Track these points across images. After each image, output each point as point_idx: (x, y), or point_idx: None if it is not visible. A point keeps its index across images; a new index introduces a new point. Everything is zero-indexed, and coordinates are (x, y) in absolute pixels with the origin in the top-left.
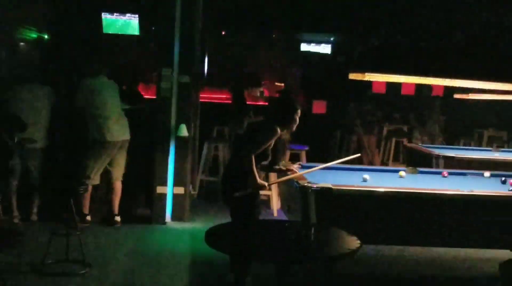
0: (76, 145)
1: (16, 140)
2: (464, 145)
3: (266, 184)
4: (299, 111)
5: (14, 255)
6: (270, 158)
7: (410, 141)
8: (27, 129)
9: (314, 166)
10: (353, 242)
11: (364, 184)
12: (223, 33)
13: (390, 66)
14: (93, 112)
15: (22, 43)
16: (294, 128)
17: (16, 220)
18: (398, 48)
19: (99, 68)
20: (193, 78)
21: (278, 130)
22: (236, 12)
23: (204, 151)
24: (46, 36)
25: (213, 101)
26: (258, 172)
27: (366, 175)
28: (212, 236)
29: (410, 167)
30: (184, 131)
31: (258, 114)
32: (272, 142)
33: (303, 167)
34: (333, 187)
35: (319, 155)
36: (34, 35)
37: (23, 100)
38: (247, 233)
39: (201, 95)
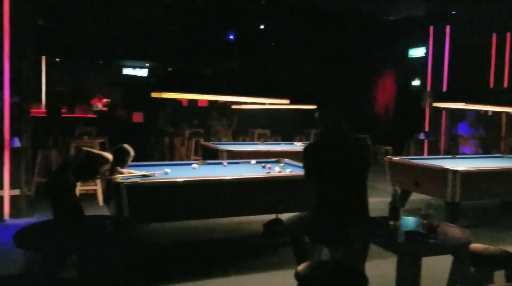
0: None
1: None
2: (243, 141)
3: None
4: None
5: None
6: None
7: (205, 140)
8: None
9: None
10: (140, 228)
11: (166, 176)
12: (57, 59)
13: (181, 86)
14: None
15: None
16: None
17: None
18: (189, 72)
19: None
20: (23, 98)
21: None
22: (67, 42)
23: (38, 158)
24: None
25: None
26: None
27: (167, 169)
28: (19, 237)
29: (201, 160)
30: (16, 143)
31: (87, 124)
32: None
33: None
34: (140, 181)
35: (139, 154)
36: None
37: None
38: (51, 231)
39: (39, 111)
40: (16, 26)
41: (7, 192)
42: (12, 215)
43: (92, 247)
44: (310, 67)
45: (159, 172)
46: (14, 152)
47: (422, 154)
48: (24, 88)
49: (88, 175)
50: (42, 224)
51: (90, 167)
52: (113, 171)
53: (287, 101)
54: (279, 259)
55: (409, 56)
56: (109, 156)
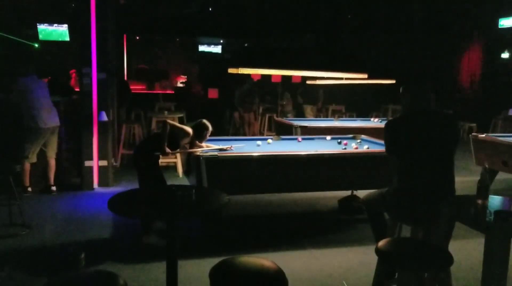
0: (14, 131)
1: None
2: (316, 117)
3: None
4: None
5: None
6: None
7: (277, 116)
8: None
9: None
10: (223, 199)
11: (242, 150)
12: (137, 38)
13: (258, 62)
14: (27, 105)
15: None
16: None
17: None
18: (264, 48)
19: (30, 69)
20: (109, 74)
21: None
22: (145, 21)
23: (123, 131)
24: None
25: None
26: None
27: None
28: (113, 203)
29: (275, 136)
30: (104, 117)
31: (166, 100)
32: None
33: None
34: (218, 155)
35: (214, 129)
36: None
37: None
38: (142, 198)
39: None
40: (100, 5)
41: (95, 163)
42: (100, 184)
43: (177, 215)
44: (389, 40)
45: (236, 145)
46: (101, 125)
47: (511, 132)
48: (109, 65)
49: (170, 148)
50: (132, 192)
51: (172, 140)
52: (192, 144)
53: (365, 76)
54: (356, 235)
55: (499, 26)
56: (190, 130)
